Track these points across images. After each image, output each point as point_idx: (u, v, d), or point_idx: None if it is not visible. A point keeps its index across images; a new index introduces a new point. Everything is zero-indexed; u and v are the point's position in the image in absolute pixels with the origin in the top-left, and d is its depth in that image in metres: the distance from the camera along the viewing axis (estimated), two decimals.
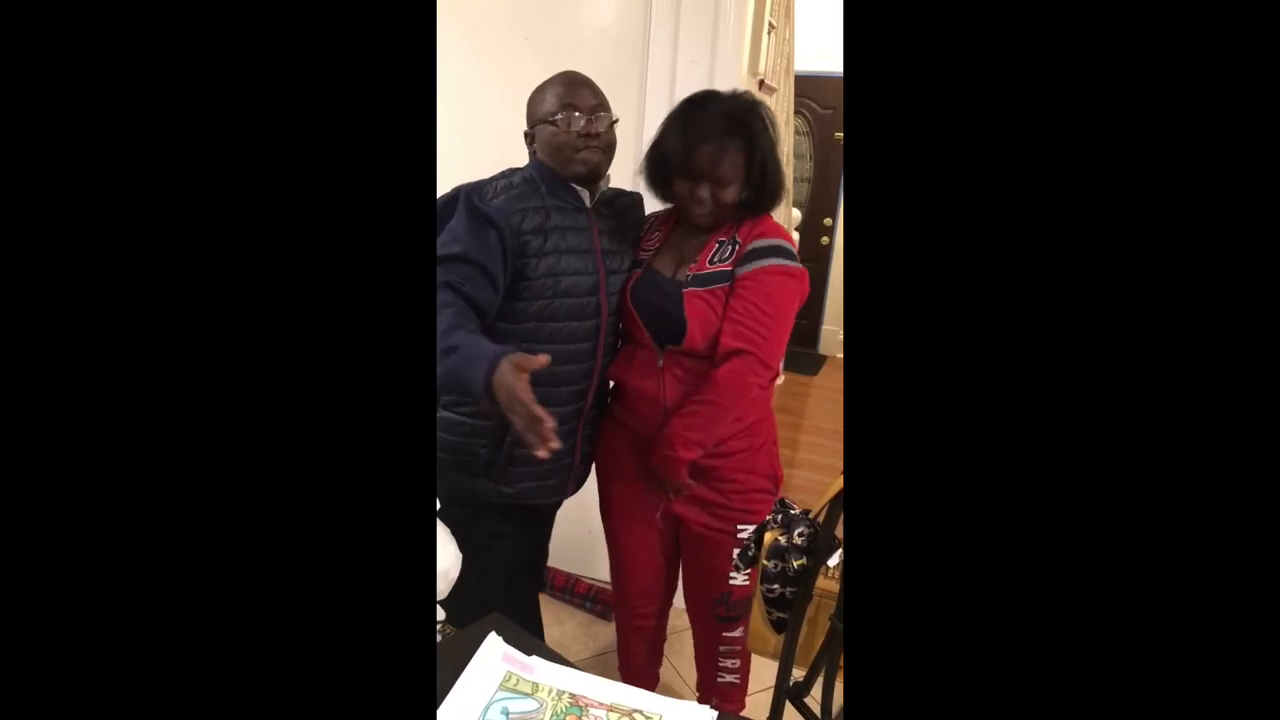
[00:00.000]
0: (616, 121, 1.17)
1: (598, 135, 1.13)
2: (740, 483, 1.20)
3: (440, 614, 0.91)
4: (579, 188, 1.16)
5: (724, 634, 1.29)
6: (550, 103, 1.13)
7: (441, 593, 0.88)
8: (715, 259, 1.15)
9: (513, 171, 1.17)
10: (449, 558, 0.88)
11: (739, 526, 1.19)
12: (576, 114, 1.11)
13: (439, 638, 0.88)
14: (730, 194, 1.13)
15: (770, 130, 1.15)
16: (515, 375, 0.89)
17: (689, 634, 1.37)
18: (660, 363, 1.17)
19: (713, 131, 1.11)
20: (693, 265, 1.16)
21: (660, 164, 1.17)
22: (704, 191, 1.12)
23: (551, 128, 1.12)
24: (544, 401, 1.10)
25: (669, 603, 1.42)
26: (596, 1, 1.63)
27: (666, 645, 1.51)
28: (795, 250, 1.18)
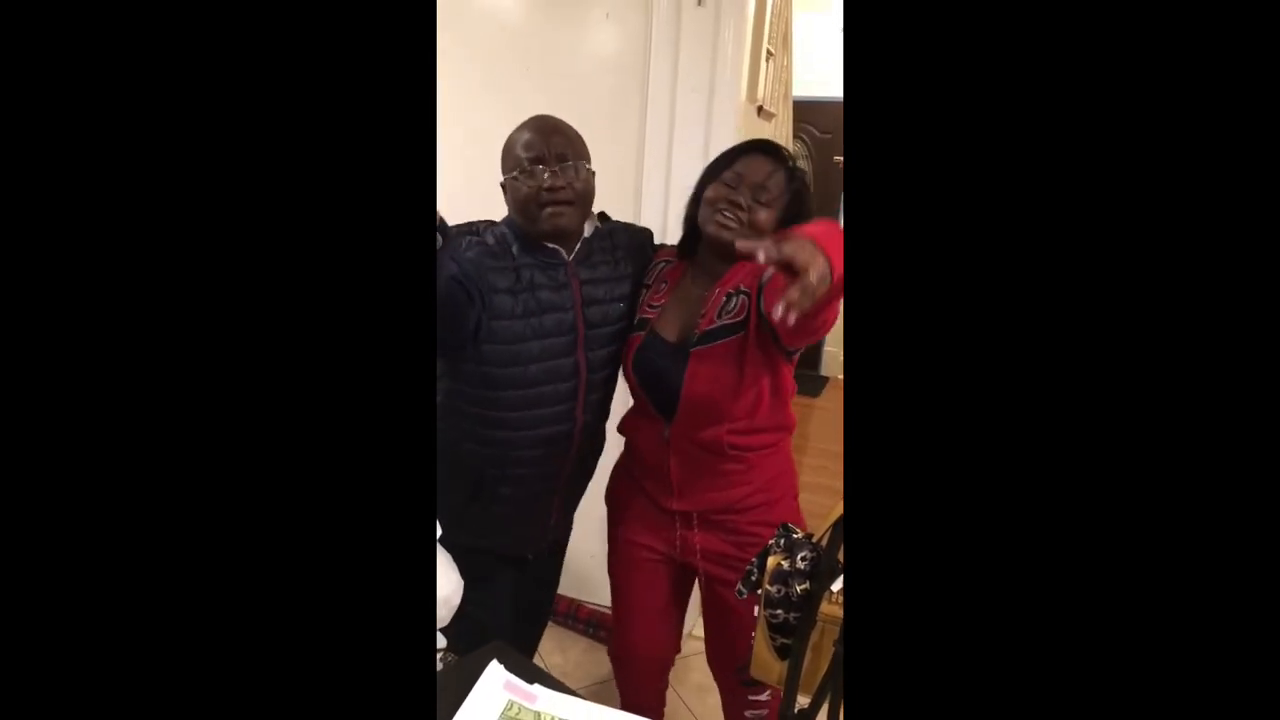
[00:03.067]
0: (591, 170, 1.10)
1: (563, 189, 1.04)
2: (759, 535, 1.15)
3: (441, 641, 0.90)
4: (553, 245, 1.09)
5: (749, 697, 1.23)
6: (516, 154, 1.06)
7: (443, 620, 0.88)
8: (724, 312, 1.06)
9: (487, 225, 1.12)
10: (450, 584, 0.87)
11: None
12: (540, 167, 1.04)
13: (440, 665, 0.87)
14: (765, 216, 1.04)
15: (811, 205, 1.09)
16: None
17: (693, 659, 1.35)
18: (666, 434, 1.12)
19: (771, 153, 1.07)
20: (701, 322, 1.07)
21: (702, 179, 1.10)
22: (741, 197, 1.04)
23: (515, 183, 1.06)
24: (518, 464, 1.11)
25: (673, 656, 1.37)
26: (597, 33, 1.66)
27: (670, 673, 1.49)
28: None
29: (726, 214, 1.04)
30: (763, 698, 1.23)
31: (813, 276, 0.71)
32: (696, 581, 1.27)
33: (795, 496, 1.22)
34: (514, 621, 1.29)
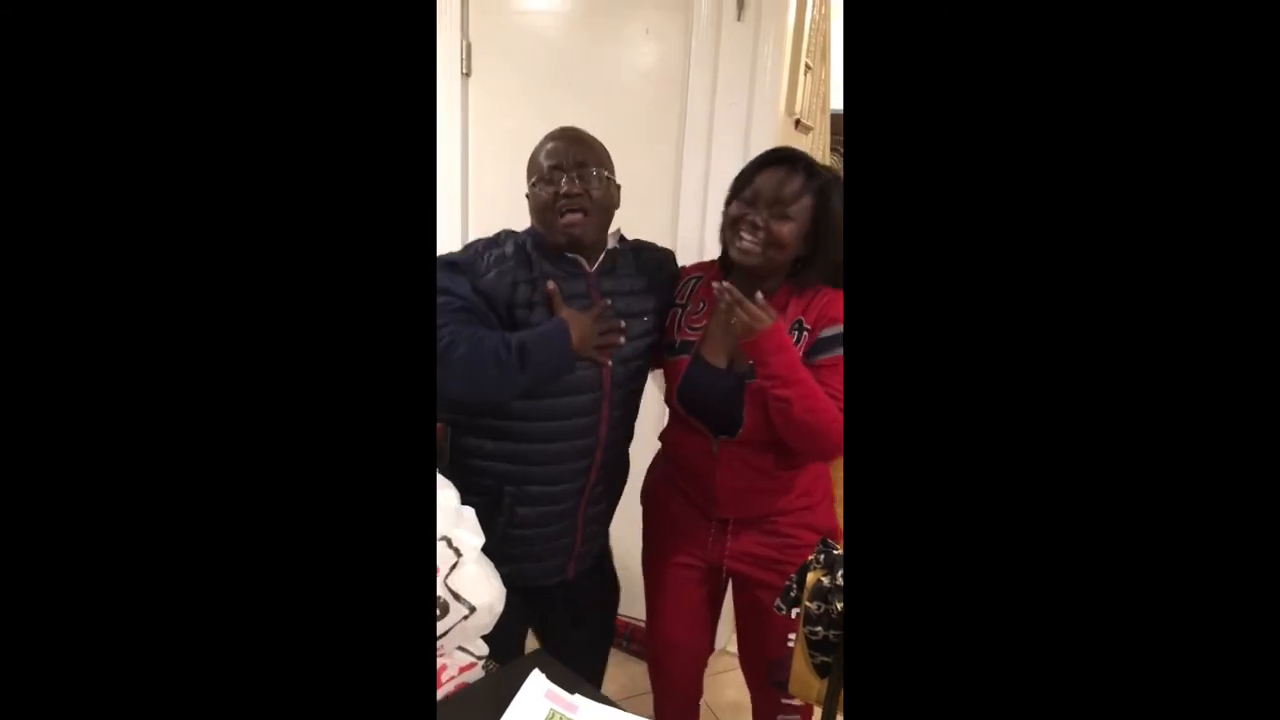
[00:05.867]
0: (610, 179, 1.10)
1: (579, 195, 1.05)
2: (798, 538, 1.16)
3: (484, 649, 0.91)
4: (573, 255, 1.10)
5: (782, 700, 1.22)
6: (539, 162, 1.08)
7: (485, 628, 0.88)
8: None
9: (507, 237, 1.12)
10: (493, 592, 0.88)
11: None
12: (558, 173, 1.06)
13: (482, 674, 0.88)
14: (787, 231, 1.03)
15: (839, 205, 1.05)
16: (581, 322, 1.02)
17: (727, 676, 1.34)
18: (715, 450, 1.13)
19: (787, 161, 1.05)
20: None
21: (728, 196, 1.09)
22: (758, 215, 1.03)
23: (535, 190, 1.08)
24: (538, 480, 1.11)
25: (706, 656, 1.37)
26: (637, 47, 1.68)
27: (705, 684, 1.48)
28: None
29: (745, 235, 1.04)
30: (795, 702, 1.22)
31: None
32: (730, 589, 1.27)
33: (833, 500, 1.23)
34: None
